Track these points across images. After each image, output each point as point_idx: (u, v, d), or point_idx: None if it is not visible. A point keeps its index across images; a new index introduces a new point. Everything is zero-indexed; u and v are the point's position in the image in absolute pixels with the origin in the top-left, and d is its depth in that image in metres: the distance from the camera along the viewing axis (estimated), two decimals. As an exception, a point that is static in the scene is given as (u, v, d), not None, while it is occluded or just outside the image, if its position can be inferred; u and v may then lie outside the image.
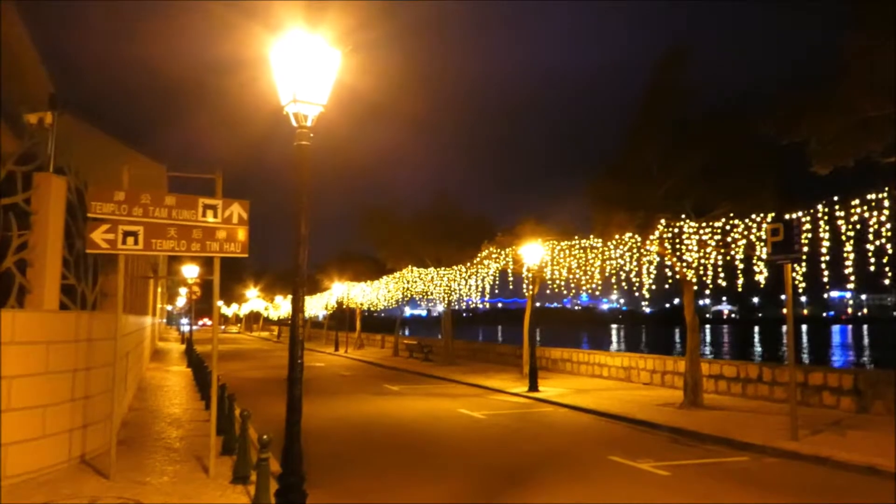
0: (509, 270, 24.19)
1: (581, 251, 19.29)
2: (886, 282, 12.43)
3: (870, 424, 13.31)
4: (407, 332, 62.58)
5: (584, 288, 19.99)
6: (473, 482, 9.52)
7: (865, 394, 15.05)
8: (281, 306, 73.88)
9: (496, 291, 26.81)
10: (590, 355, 25.20)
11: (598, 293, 20.19)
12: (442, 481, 9.56)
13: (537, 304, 23.45)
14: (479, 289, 26.51)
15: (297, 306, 6.43)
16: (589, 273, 19.00)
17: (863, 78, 11.24)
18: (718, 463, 10.80)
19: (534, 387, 19.81)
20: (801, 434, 11.82)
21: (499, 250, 24.16)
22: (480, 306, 28.73)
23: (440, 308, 33.74)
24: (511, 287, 24.99)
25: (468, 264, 26.86)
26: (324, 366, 32.34)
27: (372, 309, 42.81)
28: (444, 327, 33.33)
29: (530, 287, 22.43)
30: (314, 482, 8.17)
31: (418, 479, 9.71)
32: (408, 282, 33.65)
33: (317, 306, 55.85)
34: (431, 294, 31.67)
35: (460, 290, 28.20)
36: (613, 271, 17.98)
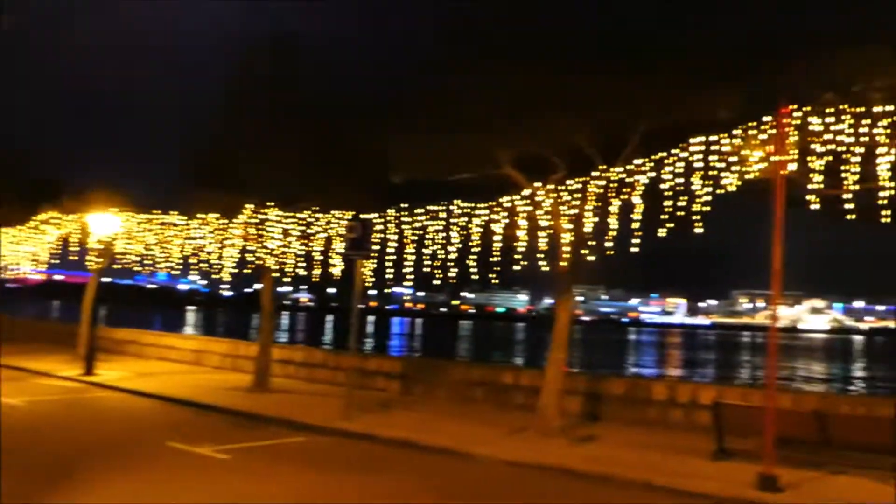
0: (74, 239, 21.45)
1: (161, 227, 18.17)
2: (436, 282, 14.49)
3: (412, 405, 15.25)
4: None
5: (161, 266, 18.88)
6: (8, 485, 8.12)
7: (410, 378, 17.24)
8: None
9: (56, 262, 23.75)
10: (159, 337, 24.17)
11: (176, 272, 19.30)
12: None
13: (107, 280, 21.34)
14: (35, 257, 23.03)
15: None
16: (168, 251, 18.00)
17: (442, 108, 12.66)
18: (277, 444, 11.22)
19: (90, 370, 17.99)
20: (354, 414, 12.94)
21: (64, 216, 21.27)
22: (34, 276, 25.08)
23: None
24: (76, 259, 22.25)
25: (21, 227, 23.04)
26: None
27: None
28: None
29: (98, 260, 20.29)
30: None
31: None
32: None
33: None
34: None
35: (8, 256, 24.07)
36: (195, 251, 17.35)
